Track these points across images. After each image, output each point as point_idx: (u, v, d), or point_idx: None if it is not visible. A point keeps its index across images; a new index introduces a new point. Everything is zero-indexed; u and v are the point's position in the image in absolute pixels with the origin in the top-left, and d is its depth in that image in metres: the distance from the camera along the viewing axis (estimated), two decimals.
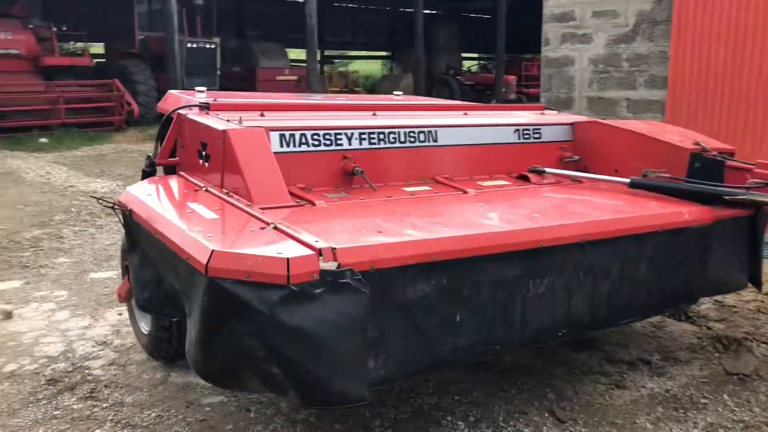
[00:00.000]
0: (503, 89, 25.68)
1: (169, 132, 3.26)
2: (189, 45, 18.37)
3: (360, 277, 2.23)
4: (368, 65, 37.96)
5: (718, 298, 4.87)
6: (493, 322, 2.71)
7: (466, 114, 4.01)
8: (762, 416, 3.25)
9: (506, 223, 2.81)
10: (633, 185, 3.54)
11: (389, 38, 33.11)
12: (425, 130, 3.47)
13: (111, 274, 5.53)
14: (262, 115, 3.27)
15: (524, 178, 3.68)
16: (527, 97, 25.86)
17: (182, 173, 3.21)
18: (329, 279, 2.20)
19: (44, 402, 3.36)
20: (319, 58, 33.57)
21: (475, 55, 36.62)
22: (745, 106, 6.95)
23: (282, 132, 3.01)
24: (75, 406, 3.31)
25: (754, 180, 3.51)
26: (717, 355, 3.92)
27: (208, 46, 18.94)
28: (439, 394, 3.42)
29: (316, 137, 3.10)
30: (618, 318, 3.22)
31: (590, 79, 8.09)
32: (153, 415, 3.21)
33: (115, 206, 2.85)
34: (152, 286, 2.85)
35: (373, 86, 30.75)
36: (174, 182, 3.13)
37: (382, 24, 33.55)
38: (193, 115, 3.17)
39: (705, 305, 4.75)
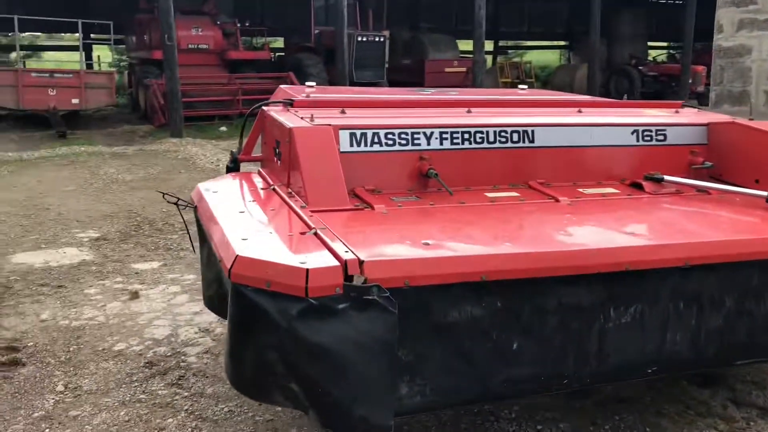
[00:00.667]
0: (690, 81, 23.60)
1: (253, 128, 3.24)
2: (359, 39, 18.79)
3: (388, 294, 2.03)
4: (545, 55, 36.70)
5: None
6: (561, 354, 2.38)
7: (580, 112, 3.61)
8: None
9: (587, 241, 2.46)
10: None
11: (568, 27, 31.70)
12: (519, 129, 3.15)
13: None
14: (342, 112, 3.15)
15: (638, 187, 3.23)
16: None
17: (262, 171, 3.18)
18: (353, 294, 2.02)
19: (136, 384, 3.52)
20: (492, 48, 33.15)
21: (665, 44, 34.05)
22: None
23: (352, 130, 2.86)
24: (160, 392, 3.43)
25: None
26: None
27: (377, 39, 19.25)
28: (520, 421, 3.11)
29: (390, 136, 2.93)
30: (733, 357, 2.72)
31: None
32: (225, 409, 3.24)
33: (179, 202, 2.88)
34: (214, 286, 2.85)
35: (548, 77, 29.69)
36: (245, 180, 3.11)
37: (560, 12, 32.20)
38: (273, 111, 3.12)
39: None
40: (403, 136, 2.95)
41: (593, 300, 2.39)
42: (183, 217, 2.96)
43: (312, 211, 2.51)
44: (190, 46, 18.14)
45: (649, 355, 2.52)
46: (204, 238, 2.93)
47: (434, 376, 2.22)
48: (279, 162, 2.97)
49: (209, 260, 2.88)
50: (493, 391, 2.33)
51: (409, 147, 2.96)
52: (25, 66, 22.79)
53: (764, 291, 2.65)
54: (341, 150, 2.83)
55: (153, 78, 16.71)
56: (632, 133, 3.37)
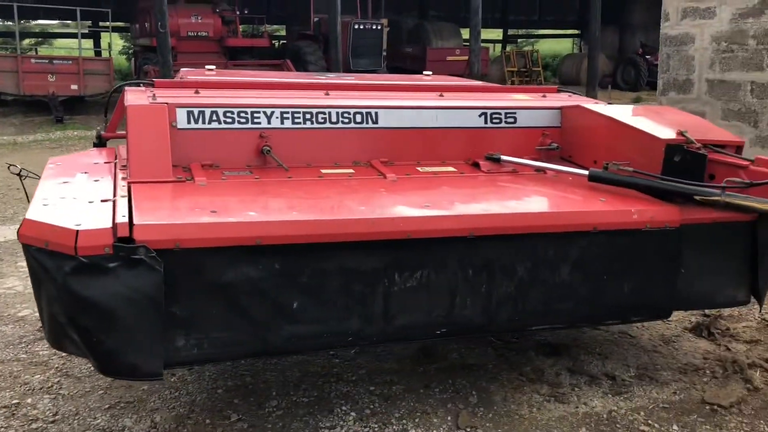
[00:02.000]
0: None
1: (116, 106, 3.48)
2: (356, 26, 18.95)
3: (154, 254, 2.26)
4: (558, 44, 36.47)
5: None
6: (344, 314, 2.59)
7: (441, 96, 3.78)
8: None
9: (374, 211, 2.65)
10: (591, 178, 3.14)
11: (579, 15, 31.43)
12: (362, 111, 3.34)
13: None
14: (196, 92, 3.36)
15: (476, 166, 3.41)
16: None
17: (119, 147, 3.42)
18: (122, 254, 2.25)
19: (22, 345, 3.80)
20: (501, 37, 33.02)
21: None
22: None
23: (190, 109, 3.08)
24: (41, 353, 3.70)
25: (731, 179, 2.96)
26: (706, 380, 3.37)
27: (374, 27, 19.39)
28: (358, 382, 3.33)
29: (229, 115, 3.13)
30: (527, 323, 2.91)
31: (711, 60, 7.14)
32: (91, 368, 3.49)
33: (21, 173, 3.13)
34: None
35: (557, 66, 29.55)
36: (97, 155, 3.35)
37: (572, 0, 31.97)
38: (128, 90, 3.35)
39: (745, 322, 4.09)
40: (242, 114, 3.16)
41: (376, 265, 2.59)
42: (24, 188, 3.21)
43: (130, 182, 2.73)
44: (189, 33, 18.48)
45: (437, 318, 2.71)
46: None
47: (212, 331, 2.44)
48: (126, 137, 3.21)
49: None
50: (274, 345, 2.55)
51: (248, 125, 3.16)
52: (36, 52, 23.36)
53: (559, 262, 2.82)
54: (179, 127, 3.05)
55: (151, 64, 17.06)
56: (480, 115, 3.53)
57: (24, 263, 5.33)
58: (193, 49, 18.23)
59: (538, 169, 3.40)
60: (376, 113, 3.36)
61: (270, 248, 2.43)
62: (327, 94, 3.59)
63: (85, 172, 2.99)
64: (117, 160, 3.16)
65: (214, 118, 3.11)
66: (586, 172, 3.18)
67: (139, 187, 2.66)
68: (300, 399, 3.18)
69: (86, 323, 2.30)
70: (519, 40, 35.28)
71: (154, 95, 3.17)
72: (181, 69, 4.46)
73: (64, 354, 3.64)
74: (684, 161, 3.10)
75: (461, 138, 3.50)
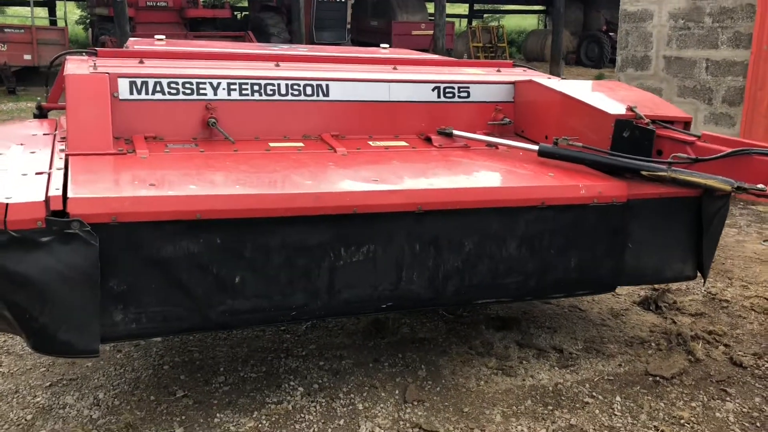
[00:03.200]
0: None
1: (57, 77, 3.36)
2: None
3: (89, 228, 2.19)
4: (524, 20, 36.50)
5: (713, 290, 4.25)
6: (288, 289, 2.56)
7: (395, 68, 3.74)
8: (642, 425, 2.82)
9: (318, 185, 2.61)
10: (541, 153, 3.14)
11: None
12: (313, 83, 3.28)
13: None
14: (140, 62, 3.26)
15: (428, 140, 3.39)
16: None
17: (60, 118, 3.31)
18: (55, 228, 2.18)
19: None
20: (467, 12, 32.91)
21: None
22: None
23: (132, 79, 2.98)
24: None
25: (678, 154, 2.99)
26: (650, 352, 3.43)
27: (338, 0, 19.14)
28: (308, 357, 3.31)
29: (173, 85, 3.05)
30: (473, 297, 2.91)
31: (669, 36, 7.21)
32: None
33: None
34: None
35: (522, 42, 29.59)
36: (36, 126, 3.25)
37: None
38: (68, 60, 3.23)
39: (692, 296, 4.17)
40: (187, 85, 3.07)
41: (321, 239, 2.55)
42: None
43: (68, 154, 2.65)
44: (148, 3, 18.05)
45: (383, 292, 2.70)
46: None
47: (149, 306, 2.39)
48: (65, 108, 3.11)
49: None
50: (214, 320, 2.51)
51: (194, 96, 3.08)
52: None
53: (505, 236, 2.82)
54: (121, 98, 2.96)
55: (108, 35, 16.63)
56: (433, 89, 3.50)
57: None
58: (152, 19, 17.82)
59: (490, 144, 3.40)
60: (327, 86, 3.30)
61: (211, 222, 2.38)
62: (277, 65, 3.52)
63: (21, 144, 2.89)
64: (57, 132, 3.06)
65: (158, 88, 3.03)
66: (534, 147, 3.19)
67: (76, 160, 2.58)
68: (248, 374, 3.15)
69: (18, 300, 2.23)
70: (485, 15, 35.19)
71: (95, 65, 3.06)
72: (129, 39, 4.33)
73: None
74: (632, 137, 3.12)
75: (414, 112, 3.47)
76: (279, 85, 3.22)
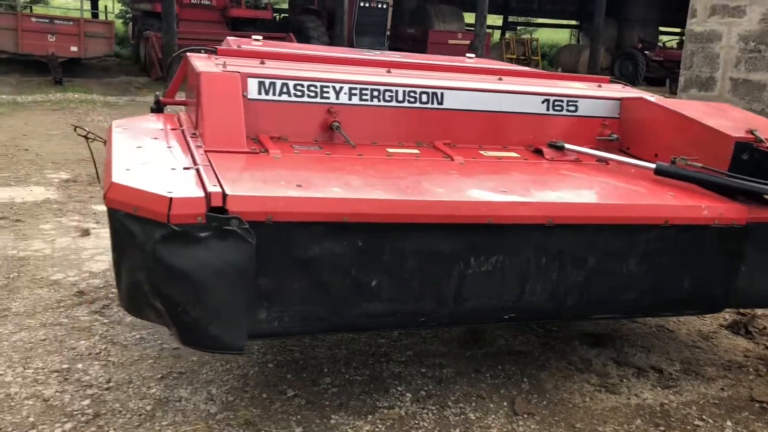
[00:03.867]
0: None
1: (177, 73, 3.40)
2: (361, 4, 18.77)
3: (247, 226, 2.22)
4: (556, 34, 36.45)
5: None
6: (419, 295, 2.58)
7: (500, 79, 3.75)
8: None
9: (453, 194, 2.63)
10: (658, 172, 3.13)
11: (579, 6, 31.39)
12: (428, 90, 3.30)
13: None
14: (262, 62, 3.30)
15: (539, 153, 3.39)
16: None
17: (182, 113, 3.35)
18: (214, 224, 2.21)
19: (62, 309, 3.74)
20: (501, 23, 32.89)
21: (678, 30, 33.70)
22: None
23: (261, 79, 3.02)
24: (82, 318, 3.65)
25: None
26: (752, 378, 3.41)
27: (380, 6, 19.21)
28: (408, 363, 3.32)
29: (299, 87, 3.08)
30: (590, 312, 2.92)
31: (737, 59, 7.17)
32: (137, 336, 3.45)
33: (88, 135, 3.05)
34: None
35: (554, 56, 29.55)
36: (162, 120, 3.29)
37: None
38: (193, 57, 3.27)
39: None
40: (311, 88, 3.10)
41: (454, 248, 2.57)
42: (91, 150, 3.13)
43: (206, 151, 2.68)
44: (193, 1, 18.20)
45: (507, 303, 2.71)
46: None
47: (293, 305, 2.41)
48: (194, 105, 3.14)
49: None
50: (349, 322, 2.53)
51: (318, 99, 3.11)
52: (31, 11, 22.89)
53: (626, 253, 2.82)
54: (249, 97, 2.99)
55: (153, 31, 16.79)
56: (543, 102, 3.51)
57: (47, 226, 5.28)
58: (194, 17, 17.96)
59: (600, 159, 3.39)
60: (442, 94, 3.32)
61: (355, 226, 2.40)
62: (389, 71, 3.55)
63: (156, 138, 2.93)
64: (184, 127, 3.09)
65: (284, 90, 3.06)
66: (650, 165, 3.18)
67: (217, 157, 2.61)
68: (353, 377, 3.17)
69: (172, 293, 2.26)
70: (518, 27, 35.16)
71: (224, 63, 3.10)
72: (228, 38, 4.38)
73: (106, 320, 3.61)
74: (752, 159, 3.10)
75: (523, 124, 3.47)
76: (396, 91, 3.25)
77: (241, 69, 3.02)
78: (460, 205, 2.54)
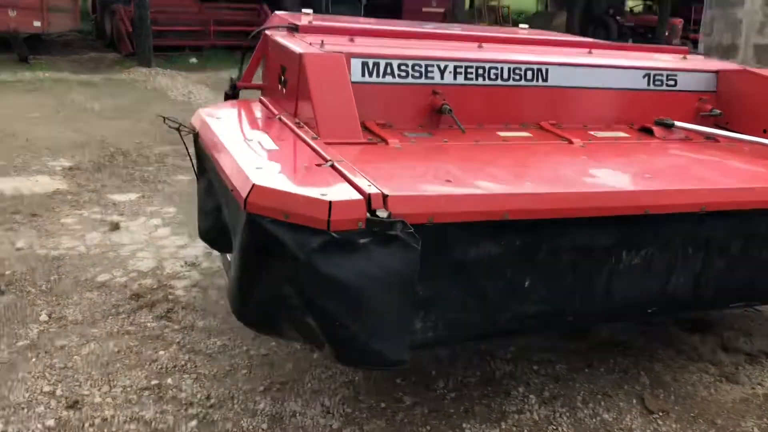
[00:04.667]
0: (666, 33, 23.57)
1: (254, 54, 3.07)
2: None
3: (412, 230, 1.96)
4: (522, 1, 36.16)
5: None
6: (571, 293, 2.37)
7: (590, 53, 3.52)
8: None
9: (607, 183, 2.40)
10: None
11: None
12: (533, 67, 3.05)
13: None
14: (351, 40, 3.00)
15: (648, 132, 3.18)
16: (693, 43, 23.56)
17: (263, 99, 3.03)
18: (377, 229, 1.94)
19: (123, 316, 3.42)
20: None
21: None
22: None
23: (365, 59, 2.73)
24: (149, 324, 3.34)
25: None
26: None
27: None
28: (516, 361, 3.11)
29: (403, 67, 2.80)
30: (728, 301, 2.76)
31: (762, 24, 7.05)
32: (219, 343, 3.17)
33: (180, 128, 2.72)
34: (212, 216, 2.73)
35: (524, 23, 29.36)
36: (249, 108, 2.96)
37: None
38: (279, 36, 2.95)
39: None
40: (416, 68, 2.82)
41: (607, 242, 2.36)
42: (186, 144, 2.79)
43: (327, 143, 2.40)
44: None
45: (651, 296, 2.53)
46: (202, 168, 2.80)
47: (447, 312, 2.18)
48: (284, 90, 2.83)
49: (208, 190, 2.76)
50: (501, 326, 2.32)
51: (423, 80, 2.84)
52: None
53: (766, 238, 2.65)
54: (353, 80, 2.70)
55: (121, 3, 16.02)
56: (644, 77, 3.30)
57: (69, 220, 4.89)
58: None
59: (708, 137, 3.20)
60: (547, 70, 3.08)
61: (514, 223, 2.16)
62: (480, 47, 3.28)
63: (260, 129, 2.61)
64: (280, 116, 2.78)
65: (389, 71, 2.78)
66: (765, 141, 3.00)
67: (343, 150, 2.33)
68: (466, 379, 2.95)
69: (328, 306, 1.99)
70: None
71: (322, 43, 2.79)
72: (276, 12, 4.03)
73: (177, 326, 3.32)
74: None
75: (626, 100, 3.26)
76: (502, 69, 2.99)
77: (342, 49, 2.72)
78: (620, 196, 2.32)
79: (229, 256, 3.76)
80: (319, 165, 2.21)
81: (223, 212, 2.54)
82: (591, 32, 25.98)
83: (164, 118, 2.63)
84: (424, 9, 21.87)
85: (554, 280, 2.33)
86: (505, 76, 3.00)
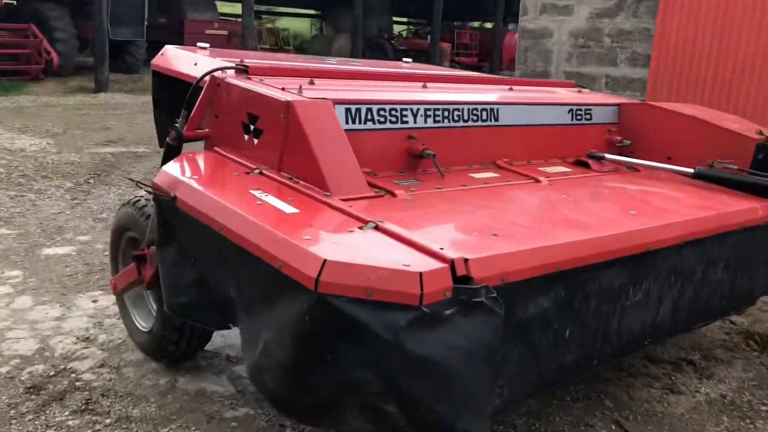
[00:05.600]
0: (437, 56, 25.38)
1: (200, 99, 2.68)
2: None
3: (495, 294, 1.83)
4: (297, 23, 36.68)
5: None
6: (595, 336, 2.39)
7: (511, 89, 3.62)
8: None
9: (618, 224, 2.46)
10: (698, 176, 3.27)
11: None
12: (487, 107, 3.05)
13: (68, 250, 4.86)
14: (311, 83, 2.76)
15: (584, 165, 3.34)
16: (460, 65, 25.62)
17: (218, 149, 2.66)
18: (463, 298, 1.78)
19: (30, 417, 2.79)
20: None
21: (404, 20, 35.98)
22: (728, 89, 6.88)
23: (348, 106, 2.52)
24: (71, 423, 2.77)
25: None
26: (755, 354, 3.76)
27: None
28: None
29: (382, 113, 2.64)
30: (694, 322, 2.97)
31: (569, 54, 7.84)
32: None
33: (158, 193, 2.28)
34: (193, 290, 2.34)
35: (302, 46, 29.72)
36: (216, 162, 2.57)
37: None
38: (236, 80, 2.62)
39: None
40: (393, 112, 2.68)
41: (621, 281, 2.42)
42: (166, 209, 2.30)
43: (341, 200, 2.16)
44: None
45: (648, 328, 2.64)
46: (172, 236, 2.38)
47: (510, 374, 2.07)
48: (256, 140, 2.50)
49: (183, 261, 2.35)
50: (547, 379, 2.26)
51: (399, 125, 2.70)
52: None
53: (719, 261, 2.90)
54: None
55: None
56: (568, 112, 3.46)
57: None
58: None
59: (629, 167, 3.44)
60: (498, 110, 3.09)
61: (561, 274, 2.13)
62: (425, 86, 3.21)
63: (253, 188, 2.26)
64: (258, 169, 2.44)
65: (369, 116, 2.60)
66: (687, 170, 3.31)
67: (365, 207, 2.13)
68: None
69: (416, 389, 1.78)
70: (263, 16, 34.69)
71: (300, 89, 2.52)
72: (167, 47, 3.58)
73: (108, 420, 2.80)
74: (766, 158, 3.39)
75: (557, 136, 3.39)
76: (463, 110, 2.95)
77: (325, 95, 2.49)
78: (632, 236, 2.38)
79: (140, 320, 3.27)
80: (360, 228, 1.98)
81: (216, 286, 2.18)
82: (368, 55, 27.19)
83: (136, 182, 2.19)
84: (207, 31, 21.20)
85: (585, 326, 2.33)
86: (465, 117, 2.96)
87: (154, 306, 3.21)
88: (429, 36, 27.11)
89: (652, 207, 2.81)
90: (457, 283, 1.79)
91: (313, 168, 2.26)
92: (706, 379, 3.45)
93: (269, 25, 31.54)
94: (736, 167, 3.29)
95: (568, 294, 2.20)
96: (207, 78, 2.70)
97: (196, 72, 3.06)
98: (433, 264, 1.77)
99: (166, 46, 3.62)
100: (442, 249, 1.84)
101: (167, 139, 2.65)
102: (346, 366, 1.79)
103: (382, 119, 2.64)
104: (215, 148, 2.66)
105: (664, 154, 3.58)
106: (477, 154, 3.02)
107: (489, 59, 28.05)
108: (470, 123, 2.99)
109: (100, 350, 3.39)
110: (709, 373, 3.50)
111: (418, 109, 2.77)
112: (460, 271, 1.79)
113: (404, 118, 2.72)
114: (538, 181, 2.91)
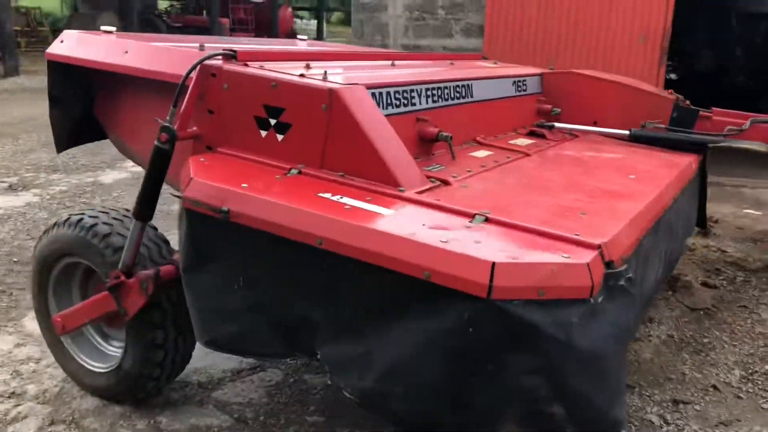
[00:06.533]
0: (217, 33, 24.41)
1: (189, 93, 2.22)
2: None
3: (631, 275, 1.80)
4: (44, 1, 32.91)
5: None
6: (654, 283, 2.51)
7: (452, 64, 3.56)
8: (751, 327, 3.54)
9: (643, 192, 2.52)
10: (633, 138, 3.50)
11: None
12: (462, 84, 2.97)
13: None
14: (308, 67, 2.45)
15: (540, 136, 3.40)
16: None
17: (224, 150, 2.25)
18: (611, 283, 1.73)
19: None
20: None
21: None
22: (555, 55, 7.46)
23: (373, 90, 2.28)
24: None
25: (730, 127, 3.72)
26: (669, 293, 4.17)
27: None
28: None
29: (397, 96, 2.43)
30: (664, 278, 3.19)
31: (405, 27, 7.95)
32: None
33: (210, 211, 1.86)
34: (245, 317, 1.99)
35: (57, 25, 26.79)
36: (239, 167, 2.14)
37: None
38: (241, 68, 2.22)
39: None
40: (404, 95, 2.48)
41: (655, 240, 2.52)
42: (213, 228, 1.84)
43: (417, 193, 1.98)
44: None
45: (652, 289, 2.79)
46: (214, 257, 1.98)
47: None
48: (281, 136, 2.16)
49: (231, 284, 1.98)
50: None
51: (408, 108, 2.51)
52: None
53: (681, 214, 3.15)
54: None
55: None
56: (512, 84, 3.49)
57: None
58: None
59: (570, 133, 3.58)
60: (471, 86, 3.03)
61: (642, 241, 2.16)
62: (393, 65, 3.03)
63: (327, 192, 1.94)
64: (295, 168, 2.11)
65: (389, 100, 2.39)
66: (622, 132, 3.53)
67: (451, 199, 1.97)
68: None
69: (581, 385, 1.69)
70: None
71: (325, 74, 2.21)
72: (66, 32, 2.97)
73: None
74: (680, 117, 3.72)
75: (509, 107, 3.41)
76: (451, 87, 2.84)
77: (351, 79, 2.23)
78: (662, 197, 2.51)
79: (91, 360, 2.79)
80: (470, 222, 1.82)
81: (287, 309, 1.89)
82: (140, 31, 25.34)
83: (178, 195, 1.76)
84: None
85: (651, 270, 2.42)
86: (453, 95, 2.85)
87: (116, 343, 2.73)
88: (204, 12, 25.94)
89: (639, 171, 2.94)
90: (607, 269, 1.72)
91: (372, 162, 2.02)
92: (649, 323, 3.75)
93: (24, 4, 27.97)
94: (664, 126, 3.57)
95: (644, 255, 2.23)
96: (198, 68, 2.27)
97: (135, 63, 2.60)
98: (588, 254, 1.69)
99: (66, 32, 3.00)
100: (577, 235, 1.76)
101: (156, 142, 2.20)
102: (512, 374, 1.65)
103: (397, 102, 2.44)
104: (221, 149, 2.25)
105: (590, 119, 3.77)
106: (463, 131, 2.93)
107: (265, 33, 27.58)
108: (459, 101, 2.89)
109: (38, 405, 2.79)
110: (648, 317, 3.81)
111: (422, 90, 2.60)
112: (608, 257, 1.73)
113: (413, 101, 2.54)
114: (528, 155, 2.90)
